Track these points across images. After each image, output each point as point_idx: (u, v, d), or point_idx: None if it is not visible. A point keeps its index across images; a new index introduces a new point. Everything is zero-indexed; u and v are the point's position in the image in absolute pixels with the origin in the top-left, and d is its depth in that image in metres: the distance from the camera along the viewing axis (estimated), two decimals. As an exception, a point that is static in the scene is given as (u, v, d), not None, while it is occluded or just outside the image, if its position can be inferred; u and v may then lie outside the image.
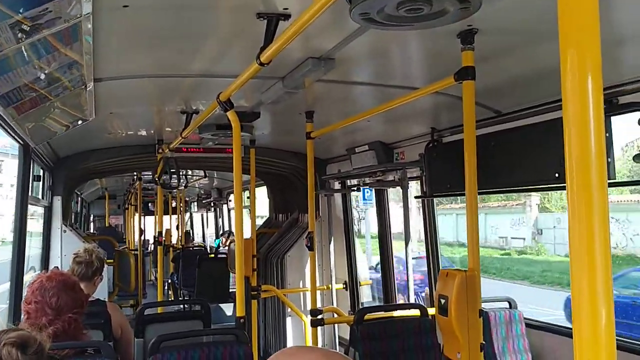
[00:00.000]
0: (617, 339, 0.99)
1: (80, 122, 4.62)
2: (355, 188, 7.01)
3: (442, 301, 2.95)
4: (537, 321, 4.55)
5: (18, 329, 1.59)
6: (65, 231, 6.64)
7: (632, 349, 3.58)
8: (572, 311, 1.01)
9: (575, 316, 1.00)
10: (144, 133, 6.24)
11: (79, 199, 14.53)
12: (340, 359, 1.23)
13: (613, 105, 3.36)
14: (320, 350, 1.31)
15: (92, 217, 20.21)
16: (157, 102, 4.80)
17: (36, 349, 1.54)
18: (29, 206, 4.99)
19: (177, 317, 5.28)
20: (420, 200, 5.52)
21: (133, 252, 10.88)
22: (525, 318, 4.49)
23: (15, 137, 4.22)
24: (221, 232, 15.60)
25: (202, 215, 20.67)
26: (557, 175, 3.41)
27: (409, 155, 5.58)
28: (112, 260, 9.56)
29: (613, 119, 3.43)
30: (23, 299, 2.91)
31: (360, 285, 7.41)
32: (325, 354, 1.26)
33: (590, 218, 0.99)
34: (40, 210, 6.50)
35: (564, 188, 4.19)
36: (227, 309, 10.03)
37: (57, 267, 6.23)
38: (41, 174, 5.81)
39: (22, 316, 2.93)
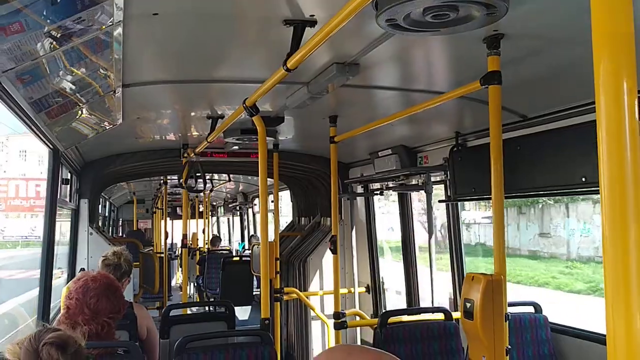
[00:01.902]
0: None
1: (108, 126, 4.71)
2: (378, 192, 7.01)
3: (468, 305, 2.94)
4: (563, 326, 4.51)
5: (56, 329, 1.63)
6: (91, 233, 6.75)
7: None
8: (606, 317, 1.01)
9: (609, 323, 1.00)
10: (169, 137, 6.32)
11: (108, 203, 14.75)
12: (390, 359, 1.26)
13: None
14: (375, 351, 1.34)
15: (120, 221, 20.51)
16: (184, 107, 4.86)
17: (75, 349, 1.58)
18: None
19: (201, 319, 5.34)
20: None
21: (158, 254, 11.00)
22: (550, 322, 4.46)
23: (46, 141, 4.31)
24: (249, 236, 15.70)
25: (228, 219, 20.82)
26: (583, 179, 3.38)
27: (433, 159, 5.57)
28: (137, 263, 9.69)
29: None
30: (65, 294, 3.01)
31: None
32: (379, 356, 1.29)
33: (625, 225, 0.99)
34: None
35: (591, 192, 4.15)
36: (248, 311, 10.10)
37: (84, 269, 6.36)
38: (69, 177, 5.93)
39: (61, 309, 3.04)
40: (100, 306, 2.85)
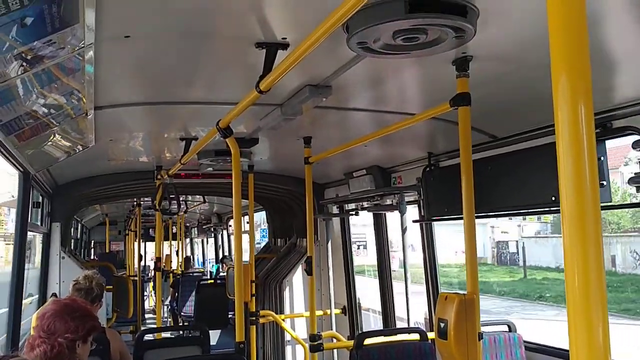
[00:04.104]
0: (612, 361, 1.01)
1: (80, 148, 4.66)
2: (353, 212, 7.03)
3: (442, 325, 2.95)
4: (536, 344, 4.54)
5: (14, 355, 1.59)
6: (63, 257, 6.63)
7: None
8: (568, 333, 1.03)
9: (571, 338, 1.02)
10: (143, 159, 6.27)
11: (79, 225, 14.51)
12: None
13: (607, 129, 3.41)
14: None
15: (92, 243, 20.17)
16: (157, 129, 4.84)
17: None
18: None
19: (176, 343, 5.27)
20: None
21: (132, 278, 10.83)
22: (524, 341, 4.49)
23: (16, 164, 4.25)
24: (221, 257, 15.57)
25: (202, 240, 20.63)
26: (553, 198, 3.44)
27: (406, 180, 5.62)
28: (110, 287, 9.53)
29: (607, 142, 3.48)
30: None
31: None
32: None
33: (585, 241, 1.01)
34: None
35: (560, 211, 4.23)
36: (226, 335, 9.97)
37: (55, 294, 6.23)
38: (40, 200, 5.83)
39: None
40: (54, 327, 2.87)
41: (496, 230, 34.15)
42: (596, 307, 1.00)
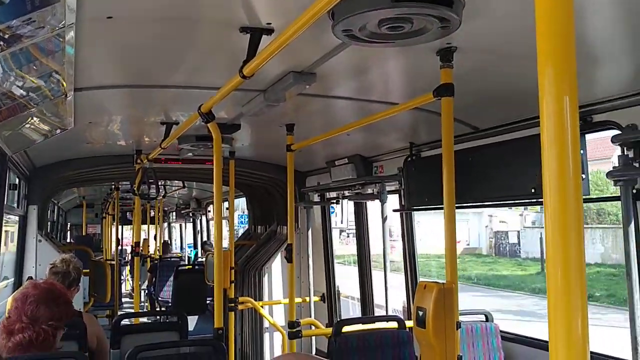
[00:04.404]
0: (591, 352, 1.03)
1: (58, 131, 4.59)
2: (334, 201, 7.04)
3: (420, 313, 2.98)
4: (512, 334, 4.61)
5: None
6: (40, 240, 6.55)
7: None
8: (548, 323, 1.04)
9: (551, 328, 1.03)
10: (122, 143, 6.20)
11: (56, 207, 14.34)
12: None
13: (587, 123, 3.45)
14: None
15: (69, 226, 19.95)
16: (137, 112, 4.78)
17: None
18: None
19: (153, 328, 5.23)
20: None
21: (109, 262, 10.75)
22: (501, 331, 4.55)
23: (-8, 145, 4.17)
24: (201, 243, 15.48)
25: (180, 225, 20.51)
26: (532, 190, 3.47)
27: (388, 169, 5.64)
28: (87, 271, 9.45)
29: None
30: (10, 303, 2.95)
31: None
32: None
33: (566, 233, 1.02)
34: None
35: (539, 203, 4.28)
36: (204, 321, 9.96)
37: (32, 277, 6.16)
38: (17, 182, 5.74)
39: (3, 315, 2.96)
40: (38, 313, 2.79)
41: (494, 219, 33.14)
42: (576, 299, 1.01)
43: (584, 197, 3.39)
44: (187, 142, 5.18)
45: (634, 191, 3.17)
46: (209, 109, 3.54)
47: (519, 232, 32.17)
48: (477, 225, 34.99)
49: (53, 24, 2.25)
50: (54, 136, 4.70)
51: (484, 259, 32.92)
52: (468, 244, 35.18)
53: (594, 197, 3.78)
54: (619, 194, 3.22)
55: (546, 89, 1.04)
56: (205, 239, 15.37)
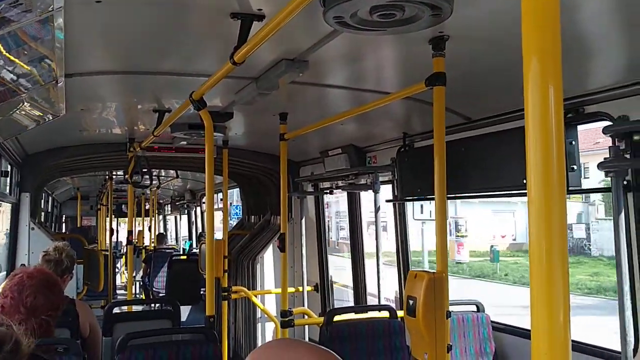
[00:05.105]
0: (572, 341, 1.03)
1: (50, 117, 4.56)
2: (327, 191, 7.04)
3: (411, 302, 2.98)
4: (502, 324, 4.63)
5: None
6: (33, 228, 6.53)
7: (586, 350, 3.69)
8: (530, 314, 1.04)
9: (533, 319, 1.03)
10: (115, 131, 6.18)
11: (50, 198, 14.30)
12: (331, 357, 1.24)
13: (579, 114, 3.45)
14: (309, 345, 1.31)
15: (64, 218, 19.90)
16: (129, 99, 4.76)
17: (12, 347, 1.47)
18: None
19: (145, 316, 5.25)
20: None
21: (103, 252, 10.75)
22: (492, 321, 4.57)
23: (-17, 131, 4.15)
24: (198, 234, 15.48)
25: (175, 217, 20.51)
26: (524, 181, 3.47)
27: (381, 159, 5.64)
28: (81, 260, 9.45)
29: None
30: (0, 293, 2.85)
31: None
32: (313, 350, 1.27)
33: (550, 224, 1.03)
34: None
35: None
36: (197, 311, 9.98)
37: (24, 265, 6.14)
38: (9, 169, 5.72)
39: None
40: (37, 303, 2.72)
41: (517, 208, 29.28)
42: (558, 290, 1.02)
43: (575, 187, 3.40)
44: (180, 130, 5.16)
45: (625, 182, 3.17)
46: (201, 96, 3.53)
47: (587, 225, 27.83)
48: (524, 217, 29.33)
49: (42, 7, 2.23)
50: (45, 123, 4.67)
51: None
52: (514, 239, 31.44)
53: (585, 188, 3.80)
54: (610, 185, 3.23)
55: (531, 79, 1.04)
56: (200, 230, 15.38)
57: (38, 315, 2.73)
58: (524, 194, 3.94)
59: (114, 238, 12.95)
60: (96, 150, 6.97)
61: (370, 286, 6.39)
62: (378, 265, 5.50)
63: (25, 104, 3.92)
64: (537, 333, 1.02)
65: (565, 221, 1.05)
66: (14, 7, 2.06)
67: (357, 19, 2.29)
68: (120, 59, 3.47)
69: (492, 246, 28.78)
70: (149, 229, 16.89)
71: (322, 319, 4.98)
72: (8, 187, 5.84)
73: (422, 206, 10.06)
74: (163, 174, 11.76)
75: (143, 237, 15.03)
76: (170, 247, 15.24)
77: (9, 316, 2.66)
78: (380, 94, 3.92)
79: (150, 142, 5.74)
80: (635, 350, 3.22)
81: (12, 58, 2.83)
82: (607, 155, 3.18)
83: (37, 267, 3.33)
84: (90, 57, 3.38)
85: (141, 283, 13.46)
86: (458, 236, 30.63)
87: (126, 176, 6.85)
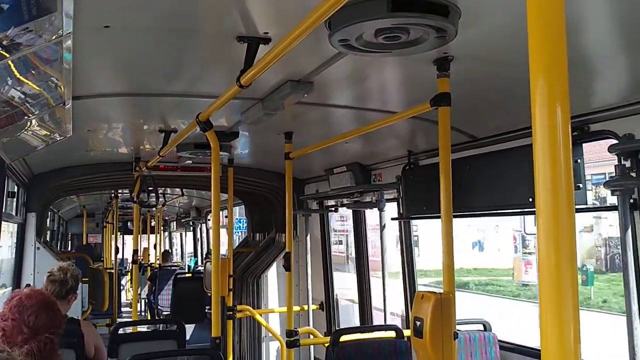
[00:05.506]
0: (582, 361, 1.03)
1: (57, 138, 4.59)
2: (332, 208, 7.04)
3: (418, 323, 2.97)
4: (510, 343, 4.59)
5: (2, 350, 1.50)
6: (38, 248, 6.54)
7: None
8: (540, 332, 1.04)
9: (543, 337, 1.03)
10: (121, 150, 6.21)
11: (56, 216, 14.34)
12: None
13: (584, 133, 3.46)
14: None
15: (70, 235, 19.93)
16: (136, 120, 4.79)
17: None
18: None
19: (151, 337, 5.23)
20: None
21: (109, 270, 10.74)
22: (499, 340, 4.53)
23: (-10, 153, 4.18)
24: (205, 252, 15.47)
25: (180, 234, 20.50)
26: (530, 199, 3.47)
27: (386, 177, 5.64)
28: (86, 279, 9.44)
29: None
30: None
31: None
32: None
33: (559, 242, 1.03)
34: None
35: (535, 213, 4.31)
36: (202, 329, 9.93)
37: (30, 285, 6.15)
38: (15, 190, 5.75)
39: None
40: (39, 323, 2.73)
41: (603, 221, 24.55)
42: (568, 309, 1.01)
43: (582, 206, 3.40)
44: (185, 150, 5.18)
45: (631, 201, 3.17)
46: (207, 118, 3.55)
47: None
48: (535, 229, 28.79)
49: (51, 32, 2.26)
50: (52, 144, 4.70)
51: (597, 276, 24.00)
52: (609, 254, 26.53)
53: (591, 206, 3.79)
54: (617, 204, 3.22)
55: (538, 99, 1.05)
56: (205, 247, 15.36)
57: (41, 333, 2.74)
58: (530, 213, 3.94)
59: (119, 255, 12.95)
60: (102, 170, 7.00)
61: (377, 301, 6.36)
62: (384, 283, 5.48)
63: (34, 125, 3.95)
64: (547, 352, 1.02)
65: (574, 239, 1.05)
66: (25, 33, 2.09)
67: (362, 41, 2.31)
68: (128, 82, 3.50)
69: (583, 265, 23.30)
70: (154, 247, 16.88)
71: (327, 338, 4.95)
72: (14, 208, 5.87)
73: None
74: (169, 191, 11.78)
75: (149, 255, 15.03)
76: (175, 264, 15.22)
77: (12, 338, 2.67)
78: (385, 113, 3.94)
79: (156, 162, 5.76)
80: (645, 370, 3.18)
81: (21, 78, 2.86)
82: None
83: (32, 288, 3.31)
84: (98, 80, 3.41)
85: (146, 301, 13.43)
86: (525, 253, 27.02)
87: (132, 194, 6.86)
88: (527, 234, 25.19)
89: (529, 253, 26.59)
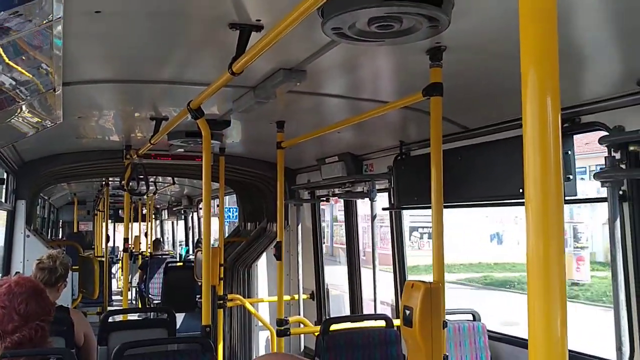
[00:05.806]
0: (570, 351, 1.04)
1: (47, 125, 4.56)
2: (324, 198, 7.05)
3: (407, 312, 2.98)
4: (499, 333, 4.63)
5: None
6: (28, 236, 6.51)
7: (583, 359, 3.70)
8: (528, 323, 1.05)
9: (531, 328, 1.04)
10: (112, 138, 6.18)
11: (47, 203, 14.27)
12: None
13: (575, 124, 3.47)
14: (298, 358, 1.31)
15: (60, 223, 19.85)
16: (127, 107, 4.76)
17: None
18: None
19: (141, 325, 5.22)
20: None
21: (99, 258, 10.71)
22: (488, 330, 4.57)
23: (-21, 139, 4.14)
24: (196, 241, 15.47)
25: (172, 222, 20.48)
26: (520, 190, 3.49)
27: (378, 168, 5.65)
28: (76, 267, 9.42)
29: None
30: None
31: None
32: None
33: (547, 233, 1.03)
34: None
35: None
36: (193, 318, 9.94)
37: (19, 272, 6.12)
38: (5, 176, 5.71)
39: None
40: (30, 310, 2.72)
41: None
42: (555, 299, 1.02)
43: (571, 197, 3.42)
44: (177, 138, 5.16)
45: (620, 192, 3.19)
46: (198, 105, 3.54)
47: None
48: (585, 219, 23.90)
49: (41, 16, 2.24)
50: (42, 130, 4.67)
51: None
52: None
53: (581, 197, 3.81)
54: (606, 195, 3.24)
55: (529, 90, 1.05)
56: (197, 235, 15.36)
57: (32, 321, 2.73)
58: (520, 203, 3.95)
59: (110, 243, 12.92)
60: (93, 158, 6.97)
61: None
62: (374, 273, 5.50)
63: (23, 111, 3.92)
64: (535, 342, 1.03)
65: (562, 230, 1.05)
66: (14, 17, 2.07)
67: (355, 30, 2.30)
68: (119, 68, 3.47)
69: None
70: (145, 235, 16.85)
71: (318, 327, 4.97)
72: (4, 195, 5.83)
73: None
74: (160, 180, 11.75)
75: (140, 243, 15.00)
76: (166, 252, 15.21)
77: (3, 325, 2.67)
78: (377, 103, 3.93)
79: (147, 150, 5.74)
80: (631, 360, 3.22)
81: (11, 64, 2.84)
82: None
83: (21, 275, 3.30)
84: (88, 66, 3.38)
85: (137, 289, 13.42)
86: (577, 247, 22.76)
87: (122, 182, 6.84)
88: (575, 223, 22.42)
89: (582, 247, 23.11)
